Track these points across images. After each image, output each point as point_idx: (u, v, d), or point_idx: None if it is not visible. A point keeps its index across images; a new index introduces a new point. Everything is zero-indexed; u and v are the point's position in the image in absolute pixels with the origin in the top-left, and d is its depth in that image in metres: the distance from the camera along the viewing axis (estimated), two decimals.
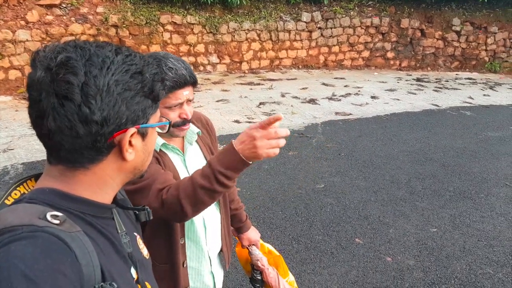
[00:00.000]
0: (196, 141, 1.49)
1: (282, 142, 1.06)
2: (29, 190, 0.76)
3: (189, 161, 1.44)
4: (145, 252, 0.91)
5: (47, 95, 0.65)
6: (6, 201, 0.72)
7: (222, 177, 1.08)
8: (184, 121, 1.34)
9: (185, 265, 1.43)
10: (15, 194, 0.74)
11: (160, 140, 1.37)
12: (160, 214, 1.18)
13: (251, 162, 1.07)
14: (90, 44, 0.70)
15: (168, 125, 0.87)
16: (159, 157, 1.34)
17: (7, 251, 0.57)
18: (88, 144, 0.69)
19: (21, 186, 0.76)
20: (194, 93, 1.39)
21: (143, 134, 0.76)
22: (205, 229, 1.47)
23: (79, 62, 0.66)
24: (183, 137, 1.44)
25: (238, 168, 1.09)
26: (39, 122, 0.68)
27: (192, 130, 1.45)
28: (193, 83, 1.33)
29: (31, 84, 0.67)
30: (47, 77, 0.65)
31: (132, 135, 0.73)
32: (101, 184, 0.75)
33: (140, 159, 0.78)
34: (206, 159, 1.50)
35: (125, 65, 0.70)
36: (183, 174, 1.41)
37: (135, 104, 0.72)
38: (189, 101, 1.34)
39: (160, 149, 1.37)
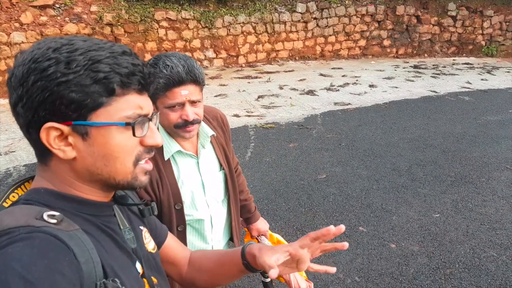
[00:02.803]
0: (210, 141, 1.47)
1: None
2: None
3: (202, 163, 1.43)
4: (150, 246, 0.90)
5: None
6: (4, 204, 0.72)
7: None
8: (186, 123, 1.28)
9: None
10: (13, 196, 0.74)
11: (175, 148, 1.34)
12: None
13: None
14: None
15: (123, 126, 0.70)
16: (161, 169, 1.32)
17: (5, 254, 0.57)
18: (29, 138, 0.71)
19: (18, 189, 0.76)
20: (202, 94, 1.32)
21: (82, 134, 0.68)
22: (212, 227, 1.49)
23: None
24: (197, 138, 1.42)
25: None
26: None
27: (206, 133, 1.41)
28: (193, 81, 1.25)
29: None
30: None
31: (62, 133, 0.68)
32: (64, 180, 0.72)
33: (89, 162, 0.70)
34: (219, 161, 1.49)
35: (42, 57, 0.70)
36: (195, 177, 1.42)
37: (56, 98, 0.65)
38: (193, 102, 1.27)
39: (168, 158, 1.34)
